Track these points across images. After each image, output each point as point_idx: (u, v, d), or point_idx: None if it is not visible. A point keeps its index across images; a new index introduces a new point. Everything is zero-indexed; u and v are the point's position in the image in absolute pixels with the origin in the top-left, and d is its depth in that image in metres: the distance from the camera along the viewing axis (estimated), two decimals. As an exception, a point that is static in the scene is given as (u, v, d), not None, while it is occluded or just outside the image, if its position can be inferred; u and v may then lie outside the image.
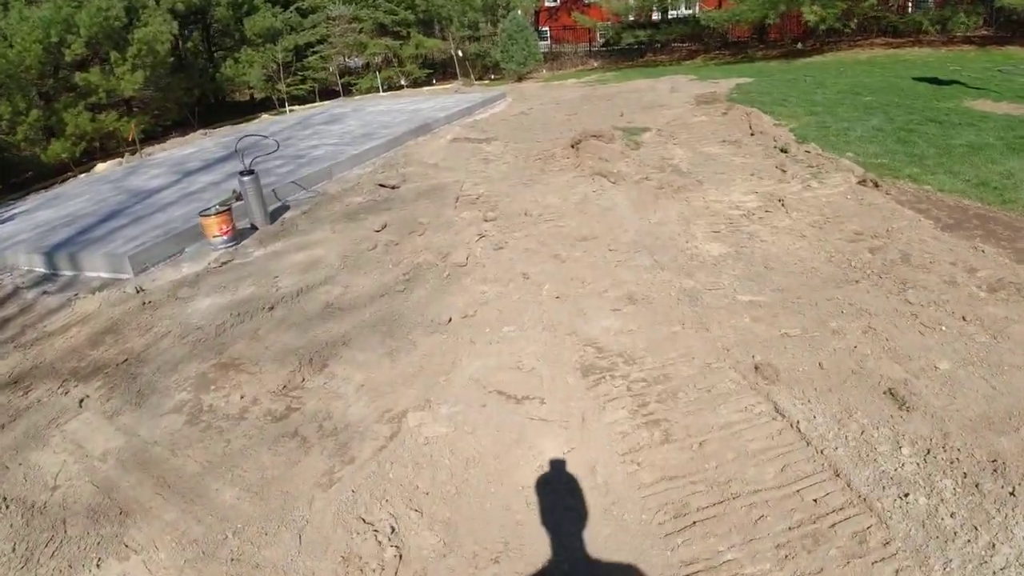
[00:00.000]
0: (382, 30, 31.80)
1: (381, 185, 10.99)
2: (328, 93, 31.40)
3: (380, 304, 6.59)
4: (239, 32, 29.09)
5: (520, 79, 26.21)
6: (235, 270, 7.98)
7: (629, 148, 11.29)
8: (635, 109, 15.23)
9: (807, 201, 7.97)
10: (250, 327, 6.49)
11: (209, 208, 9.10)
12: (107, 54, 22.21)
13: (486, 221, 8.57)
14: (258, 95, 30.18)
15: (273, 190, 11.14)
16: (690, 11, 31.81)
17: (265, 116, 25.98)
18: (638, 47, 30.10)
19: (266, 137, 11.86)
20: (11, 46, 20.25)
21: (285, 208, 10.87)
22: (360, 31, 31.53)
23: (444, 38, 30.82)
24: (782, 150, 10.12)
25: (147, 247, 8.94)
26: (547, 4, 37.73)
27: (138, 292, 7.97)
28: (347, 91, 31.97)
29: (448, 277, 6.96)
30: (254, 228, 9.83)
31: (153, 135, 25.66)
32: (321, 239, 8.66)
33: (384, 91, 31.55)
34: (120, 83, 22.22)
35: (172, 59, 24.67)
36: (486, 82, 30.17)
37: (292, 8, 31.37)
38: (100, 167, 19.29)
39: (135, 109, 26.41)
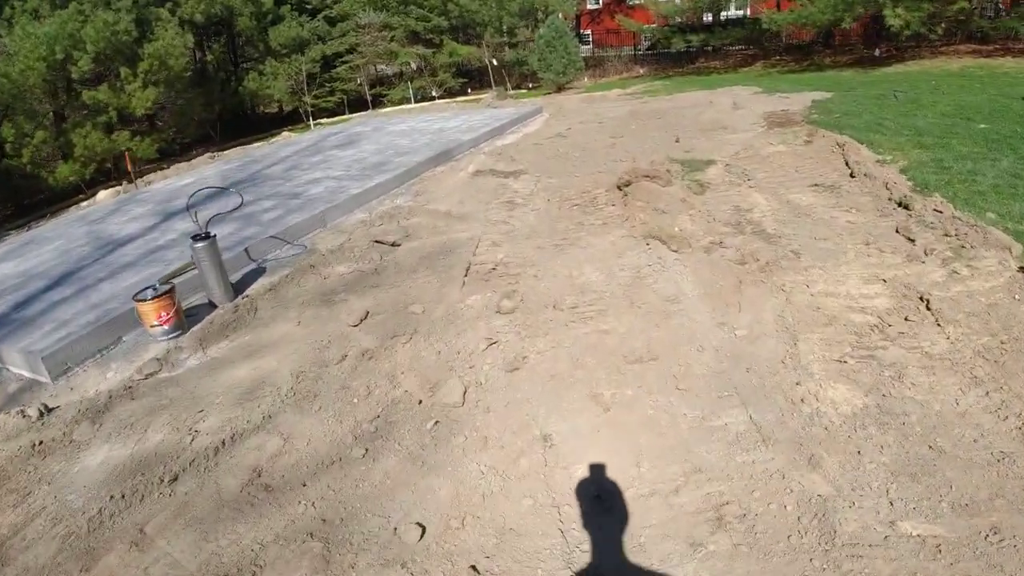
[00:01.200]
0: (414, 38, 29.68)
1: (378, 241, 8.73)
2: (358, 104, 29.44)
3: (325, 483, 4.27)
4: (263, 43, 27.32)
5: (559, 89, 23.78)
6: (155, 392, 5.76)
7: (691, 192, 8.78)
8: (692, 131, 12.66)
9: (960, 302, 5.36)
10: (137, 518, 4.24)
11: (146, 291, 6.94)
12: (117, 70, 20.54)
13: (501, 313, 6.19)
14: (286, 107, 28.37)
15: (246, 249, 8.97)
16: (740, 11, 28.83)
17: (286, 133, 24.06)
18: (688, 52, 27.29)
19: (226, 189, 9.70)
20: (14, 64, 18.66)
21: (260, 272, 8.68)
22: (391, 39, 29.47)
23: (479, 45, 28.56)
24: (901, 205, 7.47)
25: (72, 340, 6.80)
26: (589, 7, 35.10)
27: (41, 416, 5.84)
28: (377, 102, 29.95)
29: (433, 433, 4.61)
30: (213, 306, 7.66)
31: (171, 153, 24.01)
32: (280, 337, 6.40)
33: (415, 103, 29.46)
34: (131, 100, 20.54)
35: (190, 73, 22.97)
36: (523, 92, 27.77)
37: (320, 17, 29.48)
38: (101, 195, 17.55)
39: (157, 124, 24.86)
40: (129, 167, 15.64)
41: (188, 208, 8.17)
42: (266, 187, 12.61)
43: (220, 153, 20.60)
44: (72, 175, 19.59)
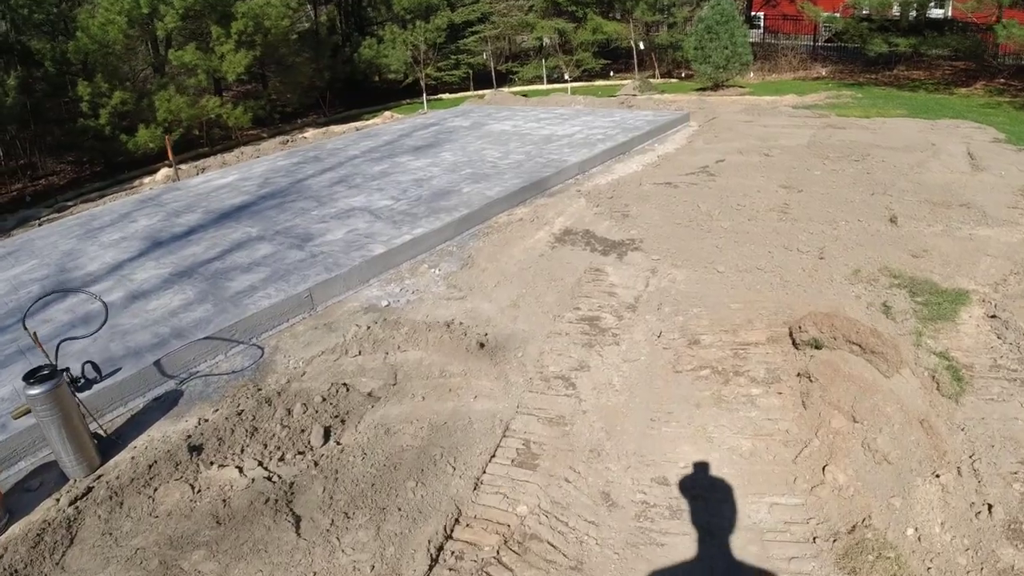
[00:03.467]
0: (555, 9, 25.40)
1: (345, 385, 5.02)
2: (484, 80, 25.76)
3: None
4: (386, 5, 24.14)
5: (716, 86, 18.85)
6: None
7: (938, 393, 4.33)
8: (914, 204, 7.86)
9: None
10: None
11: None
12: (209, 30, 18.01)
13: None
14: (409, 78, 25.19)
15: (159, 362, 5.55)
16: (940, 11, 22.07)
17: (388, 113, 20.81)
18: (882, 55, 21.02)
19: (81, 291, 6.32)
20: (94, 18, 16.48)
21: (171, 401, 5.26)
22: (528, 10, 25.38)
23: (628, 22, 23.88)
24: None
25: None
26: (767, -16, 29.06)
27: None
28: (505, 80, 26.10)
29: None
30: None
31: (269, 122, 21.51)
32: None
33: (547, 83, 25.35)
34: (222, 64, 18.00)
35: (295, 36, 20.19)
36: (671, 83, 22.88)
37: (453, -22, 25.90)
38: (160, 174, 15.09)
39: (255, 90, 22.45)
40: (170, 153, 12.94)
41: (24, 323, 4.74)
42: (287, 214, 9.21)
43: (302, 136, 17.66)
44: (152, 141, 17.36)
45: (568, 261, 6.89)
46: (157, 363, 5.59)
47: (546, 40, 25.86)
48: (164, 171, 14.79)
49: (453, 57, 25.58)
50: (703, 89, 19.40)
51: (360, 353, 5.38)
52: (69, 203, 15.08)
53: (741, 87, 19.30)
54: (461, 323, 5.79)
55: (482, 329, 5.69)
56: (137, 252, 8.51)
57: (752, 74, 21.15)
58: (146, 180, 15.32)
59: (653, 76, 23.76)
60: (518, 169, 10.17)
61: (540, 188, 9.54)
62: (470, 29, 25.53)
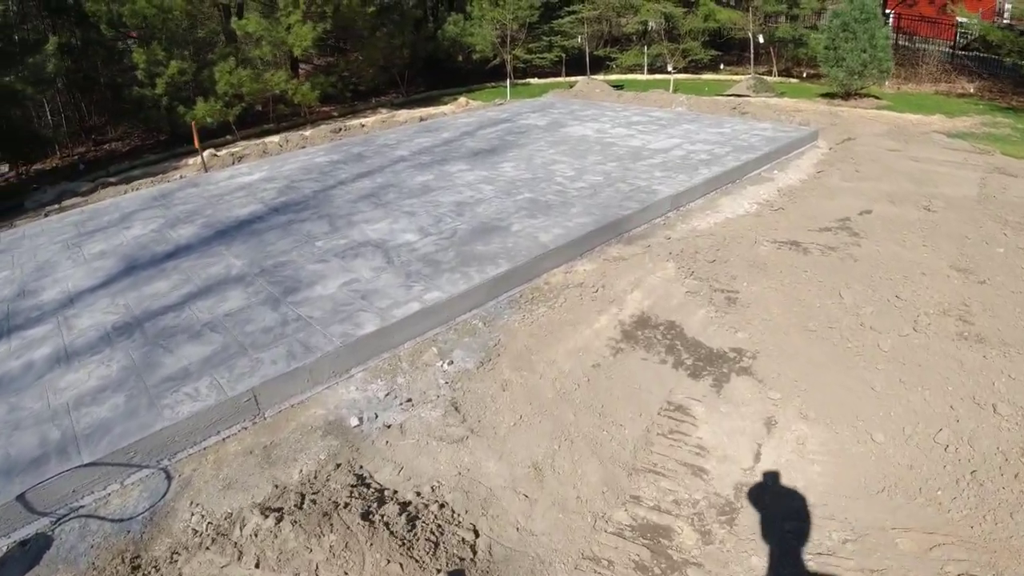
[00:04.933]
0: (664, -10, 22.27)
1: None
2: (577, 65, 23.02)
3: None
4: (478, -22, 21.71)
5: (847, 95, 15.45)
6: None
7: None
8: None
9: None
10: None
11: None
12: (277, -2, 16.18)
13: None
14: (496, 59, 22.75)
15: (23, 496, 3.59)
16: None
17: (463, 99, 18.49)
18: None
19: None
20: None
21: (40, 549, 3.31)
22: (634, -11, 22.36)
23: (745, 10, 20.51)
24: None
25: None
26: (907, -21, 24.62)
27: None
28: (601, 66, 23.28)
29: None
30: None
31: (340, 100, 19.69)
32: None
33: (647, 73, 22.40)
34: (288, 36, 16.16)
35: (373, 9, 18.12)
36: (791, 83, 19.46)
37: (553, -48, 23.09)
38: (205, 155, 13.43)
39: (321, 65, 20.61)
40: (196, 141, 11.18)
41: None
42: (288, 240, 7.12)
43: (361, 123, 15.56)
44: (209, 115, 15.78)
45: (636, 384, 4.44)
46: (22, 497, 3.65)
47: (651, 25, 22.79)
48: (208, 152, 13.12)
49: (546, 39, 22.94)
50: (831, 96, 16.03)
51: (258, 565, 3.17)
52: (112, 179, 13.68)
53: (876, 98, 15.81)
54: (442, 504, 3.48)
55: (473, 518, 3.37)
56: (102, 279, 6.65)
57: (887, 84, 17.47)
58: (191, 161, 13.70)
59: (769, 73, 20.38)
60: (591, 199, 7.67)
61: (616, 231, 7.03)
62: (567, 8, 22.78)
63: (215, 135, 16.87)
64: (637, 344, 4.86)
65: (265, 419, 4.56)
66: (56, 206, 10.62)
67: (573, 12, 22.78)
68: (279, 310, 5.52)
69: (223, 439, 4.40)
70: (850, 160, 9.58)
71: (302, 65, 20.66)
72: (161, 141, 17.48)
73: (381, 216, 7.59)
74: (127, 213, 8.85)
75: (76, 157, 17.09)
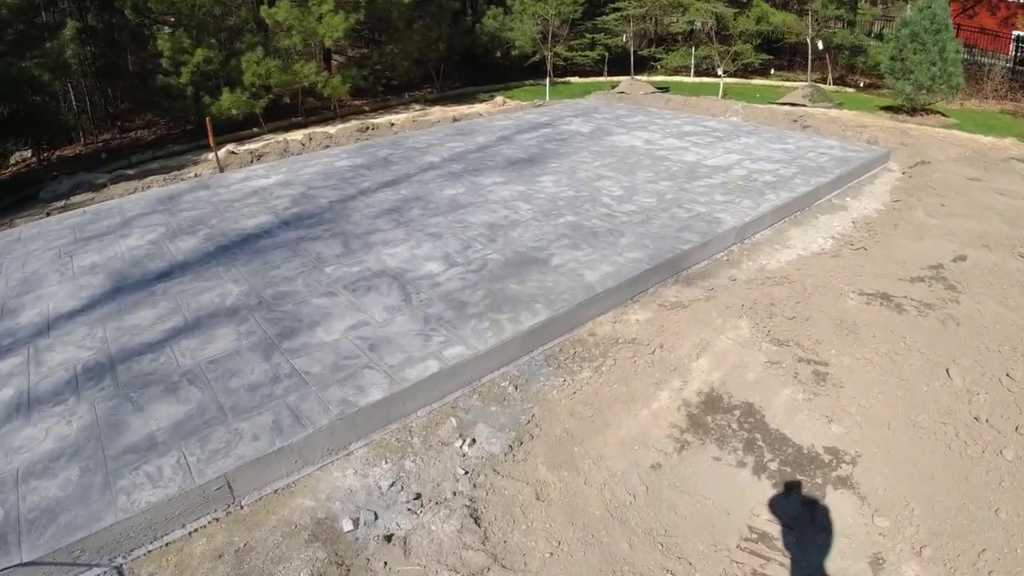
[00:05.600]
0: (714, -11, 20.93)
1: None
2: (620, 64, 21.81)
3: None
4: (520, -29, 20.59)
5: (912, 111, 14.05)
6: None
7: None
8: None
9: None
10: None
11: None
12: (309, -15, 15.28)
13: None
14: (536, 55, 21.65)
15: None
16: None
17: (500, 99, 17.48)
18: None
19: None
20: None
21: None
22: (683, -13, 21.06)
23: (801, 14, 19.09)
24: None
25: None
26: (968, -13, 22.85)
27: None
28: (645, 66, 22.07)
29: None
30: None
31: (373, 93, 18.83)
32: None
33: (694, 75, 21.18)
34: (319, 26, 15.28)
35: (410, 0, 17.14)
36: (848, 92, 18.05)
37: (600, -55, 21.87)
38: (221, 151, 12.64)
39: (353, 58, 19.68)
40: (211, 139, 10.33)
41: None
42: (295, 262, 6.20)
43: (390, 121, 14.58)
44: (235, 107, 15.01)
45: (707, 497, 3.42)
46: None
47: (698, 24, 21.48)
48: (226, 149, 12.32)
49: (588, 36, 21.79)
50: (894, 110, 14.66)
51: None
52: (130, 172, 12.99)
53: (942, 115, 14.40)
54: None
55: None
56: (85, 301, 5.82)
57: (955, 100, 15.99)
58: (211, 156, 12.91)
59: (824, 81, 19.01)
60: (644, 227, 6.63)
61: (673, 268, 5.99)
62: (611, 5, 21.56)
63: (242, 127, 16.13)
64: (707, 436, 3.84)
65: (241, 508, 3.65)
66: (62, 203, 9.88)
67: (618, 9, 21.53)
68: (271, 360, 4.59)
69: (189, 533, 3.50)
70: (930, 189, 8.37)
71: (335, 56, 19.84)
72: (187, 131, 16.75)
73: (402, 238, 6.64)
74: (128, 218, 8.03)
75: (100, 144, 16.47)
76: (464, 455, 3.92)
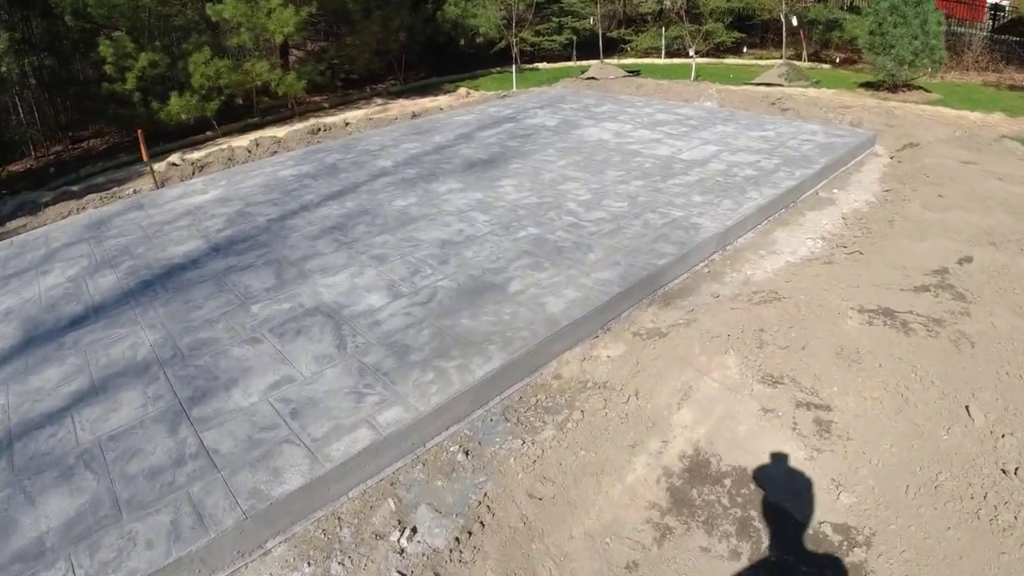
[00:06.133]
0: (682, -34, 20.09)
1: None
2: (589, 48, 20.97)
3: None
4: (480, -46, 19.60)
5: (894, 87, 13.39)
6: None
7: None
8: None
9: None
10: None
11: None
12: (254, -22, 14.25)
13: None
14: (502, 42, 20.73)
15: None
16: None
17: (463, 91, 16.61)
18: None
19: None
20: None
21: None
22: (651, -35, 20.24)
23: (774, -12, 18.37)
24: None
25: None
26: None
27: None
28: (616, 48, 21.27)
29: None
30: None
31: (331, 88, 17.89)
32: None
33: (665, 57, 20.45)
34: (268, 21, 14.30)
35: (364, -11, 16.19)
36: (824, 68, 17.38)
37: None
38: (163, 163, 11.72)
39: (301, 53, 18.67)
40: (144, 153, 9.42)
41: None
42: (220, 300, 5.40)
43: (345, 120, 13.62)
44: (184, 112, 14.03)
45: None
46: None
47: (668, 3, 20.70)
48: (166, 162, 11.41)
49: (555, 20, 20.96)
50: (874, 86, 14.00)
51: None
52: (74, 188, 12.01)
53: (925, 90, 13.77)
54: None
55: None
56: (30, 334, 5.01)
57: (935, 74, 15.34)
58: (160, 166, 11.96)
59: (798, 58, 18.33)
60: (614, 238, 5.91)
61: (649, 287, 5.28)
62: (577, -14, 20.73)
63: (195, 131, 15.19)
64: (693, 517, 3.15)
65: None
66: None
67: (584, -10, 20.73)
68: (178, 434, 3.84)
69: None
70: (923, 177, 7.72)
71: (293, 52, 18.81)
72: (136, 140, 15.76)
73: (343, 263, 5.87)
74: (53, 250, 7.17)
75: (52, 157, 15.45)
76: (402, 551, 3.21)
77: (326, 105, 17.44)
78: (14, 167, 14.95)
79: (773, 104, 11.25)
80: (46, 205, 10.10)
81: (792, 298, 5.00)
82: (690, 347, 4.37)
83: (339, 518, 3.46)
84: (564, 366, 4.46)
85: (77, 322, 5.38)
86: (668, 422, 3.74)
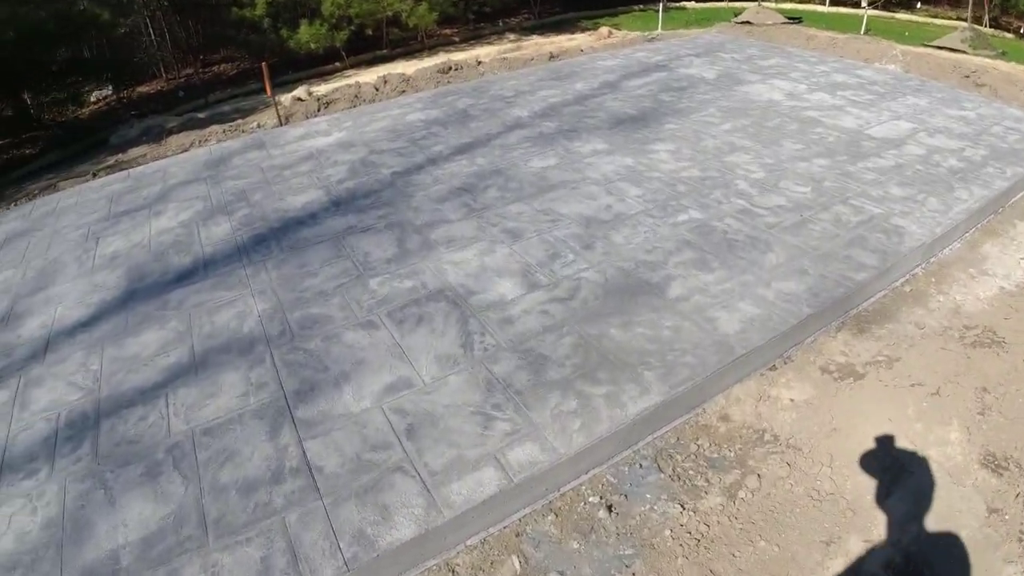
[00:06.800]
0: None
1: None
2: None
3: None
4: None
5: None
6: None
7: None
8: None
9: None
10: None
11: None
12: None
13: None
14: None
15: None
16: None
17: (604, 31, 15.22)
18: None
19: None
20: None
21: None
22: None
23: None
24: None
25: None
26: None
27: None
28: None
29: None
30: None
31: (463, 21, 17.09)
32: None
33: (827, 4, 18.07)
34: (406, -51, 13.58)
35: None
36: (1008, 37, 14.60)
37: None
38: (290, 95, 11.44)
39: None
40: (268, 87, 9.04)
41: None
42: (334, 268, 4.88)
43: (477, 59, 12.71)
44: (314, 40, 13.77)
45: None
46: None
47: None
48: (293, 95, 11.12)
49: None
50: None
51: None
52: (200, 115, 12.02)
53: None
54: None
55: None
56: (92, 312, 4.84)
57: None
58: (285, 98, 11.71)
59: (978, 21, 15.50)
60: (799, 234, 4.86)
61: (841, 309, 4.25)
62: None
63: (325, 60, 14.95)
64: None
65: None
66: (114, 159, 9.01)
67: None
68: (279, 438, 3.35)
69: None
70: None
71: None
72: (269, 65, 15.73)
73: (471, 235, 5.18)
74: (168, 187, 6.97)
75: (183, 80, 15.73)
76: None
77: (457, 40, 16.69)
78: (144, 88, 15.29)
79: (967, 77, 9.31)
80: (170, 132, 10.06)
81: (1017, 344, 3.83)
82: (899, 403, 3.38)
83: (453, 570, 2.86)
84: (734, 404, 3.60)
85: (184, 277, 5.05)
86: (872, 513, 2.84)
